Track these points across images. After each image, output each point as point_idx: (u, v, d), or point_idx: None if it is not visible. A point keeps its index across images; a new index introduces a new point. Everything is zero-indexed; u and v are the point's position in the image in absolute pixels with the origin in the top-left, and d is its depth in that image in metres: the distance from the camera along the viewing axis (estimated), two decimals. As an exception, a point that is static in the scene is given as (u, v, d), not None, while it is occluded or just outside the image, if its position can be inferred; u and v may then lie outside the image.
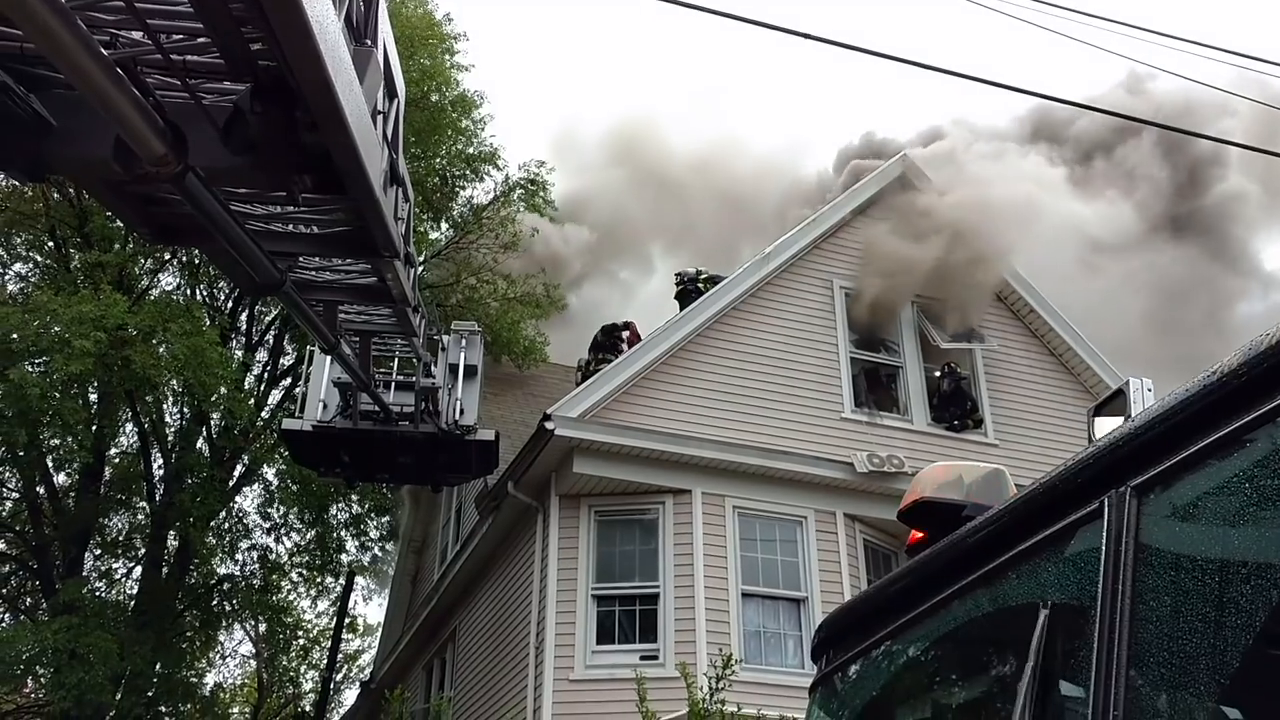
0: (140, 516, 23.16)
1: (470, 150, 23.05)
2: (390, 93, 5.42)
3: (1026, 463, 14.28)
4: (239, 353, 21.99)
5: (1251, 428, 1.55)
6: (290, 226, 5.77)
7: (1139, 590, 1.66)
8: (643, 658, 12.20)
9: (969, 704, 2.39)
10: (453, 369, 11.06)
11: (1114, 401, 2.20)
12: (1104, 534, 1.74)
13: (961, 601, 2.20)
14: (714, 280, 15.67)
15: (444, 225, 23.64)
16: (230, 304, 22.62)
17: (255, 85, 3.71)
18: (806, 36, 8.64)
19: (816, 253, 15.62)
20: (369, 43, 4.36)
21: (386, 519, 23.93)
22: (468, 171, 23.27)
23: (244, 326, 23.14)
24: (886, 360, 15.49)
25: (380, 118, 4.87)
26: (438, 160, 22.73)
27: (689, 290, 15.87)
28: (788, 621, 12.94)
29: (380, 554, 25.03)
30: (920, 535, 2.47)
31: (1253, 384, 1.55)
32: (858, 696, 2.61)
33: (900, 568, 2.61)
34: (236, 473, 22.21)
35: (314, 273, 7.02)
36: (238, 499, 23.07)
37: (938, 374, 15.45)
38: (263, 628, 28.16)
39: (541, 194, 22.11)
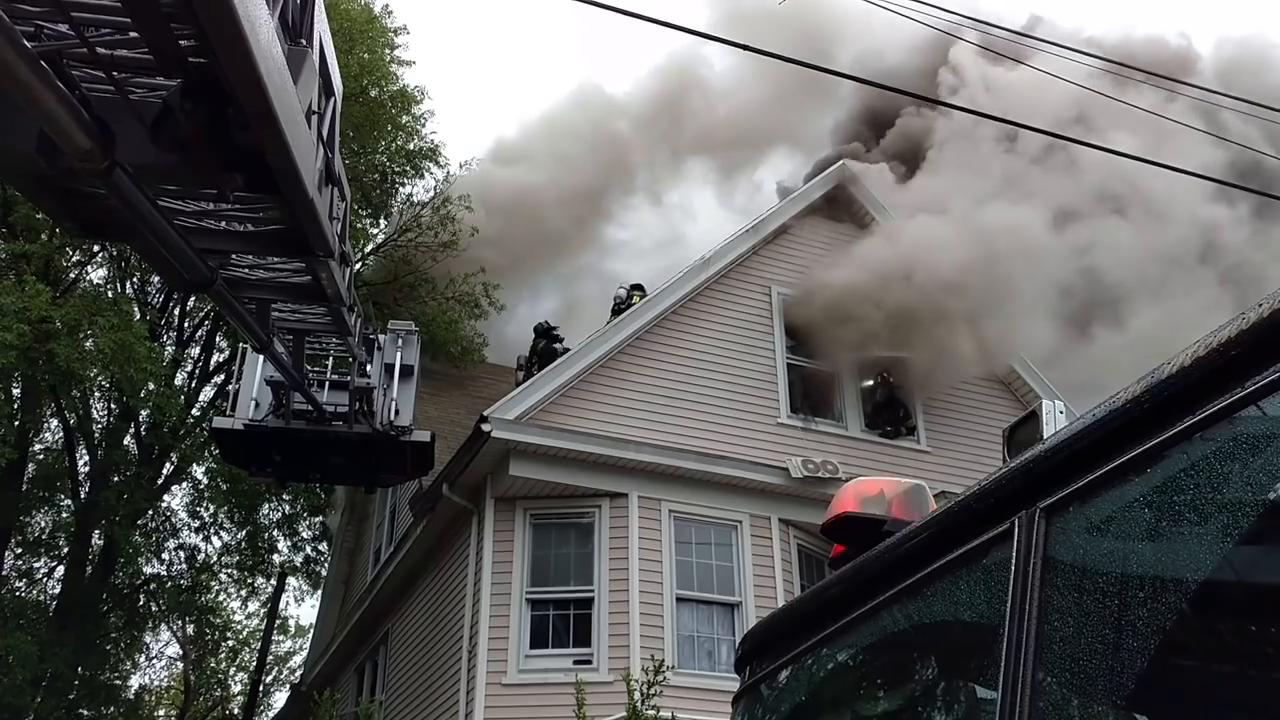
0: (64, 514, 22.62)
1: (411, 146, 22.90)
2: (327, 91, 5.37)
3: (957, 469, 14.56)
4: (170, 348, 21.59)
5: (1153, 453, 1.61)
6: (222, 224, 5.68)
7: (1045, 606, 1.72)
8: (576, 662, 12.20)
9: (889, 715, 2.44)
10: (388, 369, 10.94)
11: (1027, 424, 2.27)
12: (1014, 552, 1.79)
13: (881, 615, 2.24)
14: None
15: (383, 222, 23.44)
16: (161, 298, 22.20)
17: (186, 82, 3.65)
18: (769, 55, 8.69)
19: (755, 259, 15.75)
20: (304, 42, 4.31)
21: (319, 519, 23.67)
22: (408, 168, 23.13)
23: (176, 322, 22.72)
24: (823, 367, 15.65)
25: (316, 117, 4.82)
26: (377, 156, 22.54)
27: (623, 310, 15.96)
28: (721, 626, 13.02)
29: (313, 554, 24.75)
30: (843, 548, 2.51)
31: (1155, 411, 1.61)
32: (780, 708, 2.64)
33: (822, 581, 2.65)
34: (165, 471, 21.80)
35: (246, 270, 6.90)
36: (166, 498, 22.67)
37: (872, 382, 15.66)
38: (190, 629, 27.67)
39: (466, 204, 21.85)
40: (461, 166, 23.53)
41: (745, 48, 8.20)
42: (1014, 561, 1.78)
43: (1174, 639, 1.63)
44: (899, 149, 19.50)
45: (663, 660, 9.65)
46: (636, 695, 9.26)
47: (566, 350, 15.58)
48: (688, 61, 24.58)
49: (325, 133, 5.26)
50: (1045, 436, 2.04)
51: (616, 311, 15.91)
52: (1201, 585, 1.57)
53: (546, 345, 16.79)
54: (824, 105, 22.50)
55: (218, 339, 22.92)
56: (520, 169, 23.97)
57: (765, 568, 13.36)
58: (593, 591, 12.70)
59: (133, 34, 3.60)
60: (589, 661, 12.26)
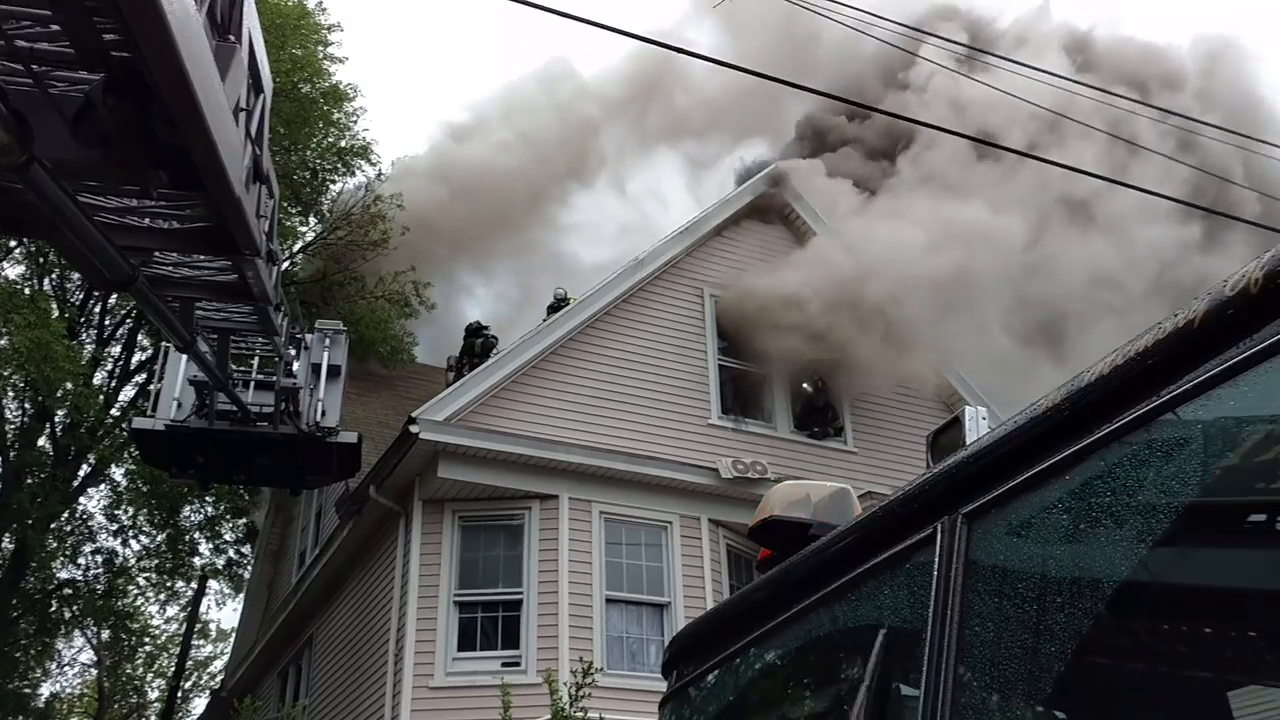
0: (-27, 517, 21.86)
1: (342, 144, 22.61)
2: (256, 88, 5.28)
3: (884, 470, 14.78)
4: (89, 347, 21.00)
5: (1072, 460, 1.66)
6: (146, 220, 5.55)
7: (967, 610, 1.76)
8: (505, 664, 12.14)
9: (816, 717, 2.47)
10: (315, 369, 10.78)
11: (950, 429, 2.32)
12: (936, 557, 1.83)
13: (808, 618, 2.27)
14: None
15: (312, 220, 23.10)
16: (82, 295, 21.60)
17: (109, 77, 3.57)
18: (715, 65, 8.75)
19: (689, 260, 15.83)
20: (233, 38, 4.23)
21: (243, 521, 23.22)
22: (339, 165, 22.83)
23: (96, 319, 22.12)
24: (754, 368, 15.76)
25: (244, 114, 4.74)
26: (307, 153, 22.20)
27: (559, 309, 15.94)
28: (651, 627, 13.06)
29: (236, 557, 24.28)
30: (769, 552, 2.54)
31: (1075, 418, 1.66)
32: (708, 711, 2.67)
33: (749, 585, 2.68)
34: (81, 473, 21.19)
35: (170, 268, 6.75)
36: (82, 500, 22.02)
37: (804, 384, 15.84)
38: (105, 634, 26.95)
39: (398, 202, 21.57)
40: (394, 164, 23.28)
41: (703, 58, 8.24)
42: (936, 566, 1.82)
43: (1091, 640, 1.68)
44: (846, 156, 19.63)
45: (591, 663, 9.65)
46: (563, 697, 9.25)
47: (498, 349, 15.50)
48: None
49: (254, 130, 5.17)
50: (968, 442, 2.09)
51: (555, 310, 15.88)
52: (1118, 587, 1.62)
53: (479, 344, 16.69)
54: (800, 97, 22.31)
55: (140, 337, 22.36)
56: (480, 147, 23.58)
57: (695, 568, 13.43)
58: (522, 593, 12.65)
59: (54, 26, 3.51)
60: (517, 663, 12.22)
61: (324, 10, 22.61)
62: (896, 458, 15.17)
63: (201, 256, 6.46)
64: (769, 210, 16.89)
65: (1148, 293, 17.28)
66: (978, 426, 2.21)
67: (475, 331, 17.13)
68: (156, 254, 6.22)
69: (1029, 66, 11.59)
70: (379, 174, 22.36)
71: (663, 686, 2.91)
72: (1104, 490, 1.63)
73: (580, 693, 9.05)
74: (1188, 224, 17.79)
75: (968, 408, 2.35)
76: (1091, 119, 14.58)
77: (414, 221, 21.41)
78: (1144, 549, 1.61)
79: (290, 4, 21.76)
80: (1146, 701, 2.07)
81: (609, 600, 12.87)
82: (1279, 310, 1.36)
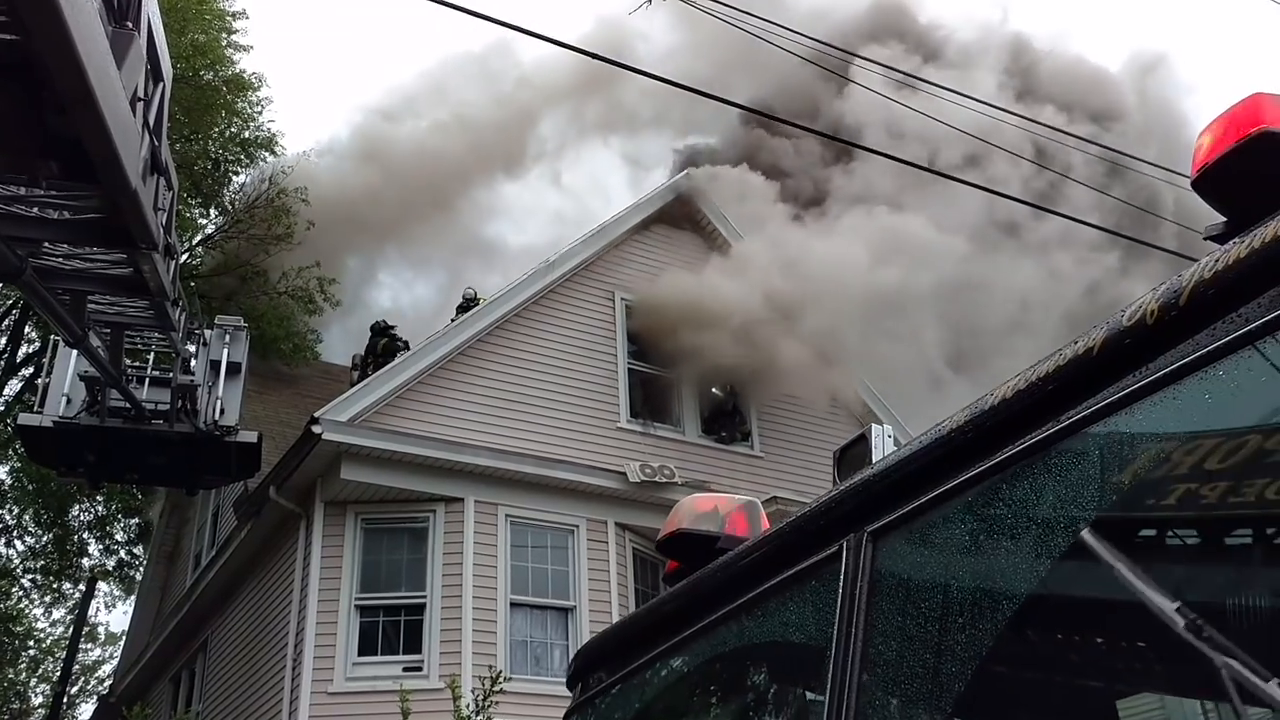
0: None
1: (245, 134, 22.06)
2: (155, 76, 5.10)
3: (790, 476, 14.98)
4: (-29, 338, 20.11)
5: (974, 480, 1.68)
6: (34, 210, 5.32)
7: (871, 628, 1.77)
8: (406, 669, 11.97)
9: (719, 728, 2.47)
10: (214, 365, 10.49)
11: (857, 445, 2.34)
12: (842, 574, 1.84)
13: (715, 632, 2.28)
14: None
15: (213, 212, 22.48)
16: (-37, 284, 20.64)
17: (-5, 61, 3.40)
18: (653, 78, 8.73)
19: (600, 263, 15.81)
20: (130, 25, 4.07)
21: (135, 521, 22.48)
22: (242, 156, 22.27)
23: (-21, 310, 21.19)
24: (663, 372, 15.81)
25: (142, 104, 4.57)
26: (209, 143, 21.60)
27: (469, 309, 15.78)
28: (555, 631, 13.01)
29: (127, 558, 23.50)
30: (677, 564, 2.53)
31: (978, 440, 1.68)
32: (612, 724, 2.65)
33: (657, 598, 2.67)
34: (-38, 470, 20.28)
35: (61, 260, 6.47)
36: (-38, 498, 21.08)
37: (714, 390, 15.94)
38: (-13, 637, 25.83)
39: (302, 196, 21.04)
40: (308, 151, 22.77)
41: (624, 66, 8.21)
42: (842, 583, 1.83)
43: (991, 655, 1.71)
44: (766, 162, 19.70)
45: (500, 671, 9.57)
46: (468, 703, 9.14)
47: (406, 349, 15.27)
48: (619, 33, 22.66)
49: (152, 120, 5.00)
50: (874, 460, 2.11)
51: (464, 310, 15.71)
52: (1016, 604, 1.65)
53: (385, 344, 16.42)
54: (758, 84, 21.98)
55: (26, 329, 21.49)
56: (411, 129, 23.01)
57: (601, 572, 13.42)
58: (425, 597, 12.48)
59: (-66, 5, 3.33)
60: (419, 668, 12.05)
61: (228, -4, 22.04)
62: (802, 464, 15.38)
63: (94, 249, 6.22)
64: (682, 216, 16.98)
65: (1064, 315, 17.71)
66: (884, 444, 2.24)
67: (381, 331, 16.86)
68: (46, 245, 5.99)
69: (960, 94, 11.78)
70: (284, 169, 21.79)
71: (565, 692, 2.88)
72: (1004, 509, 1.67)
73: (488, 701, 8.96)
74: (1109, 250, 18.31)
75: (874, 425, 2.38)
76: (1023, 144, 14.90)
77: (335, 204, 20.90)
78: (1041, 565, 1.65)
79: (192, -12, 21.15)
80: (1043, 711, 2.12)
81: (514, 604, 12.78)
82: (1172, 341, 1.41)
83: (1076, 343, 1.55)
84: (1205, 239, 1.50)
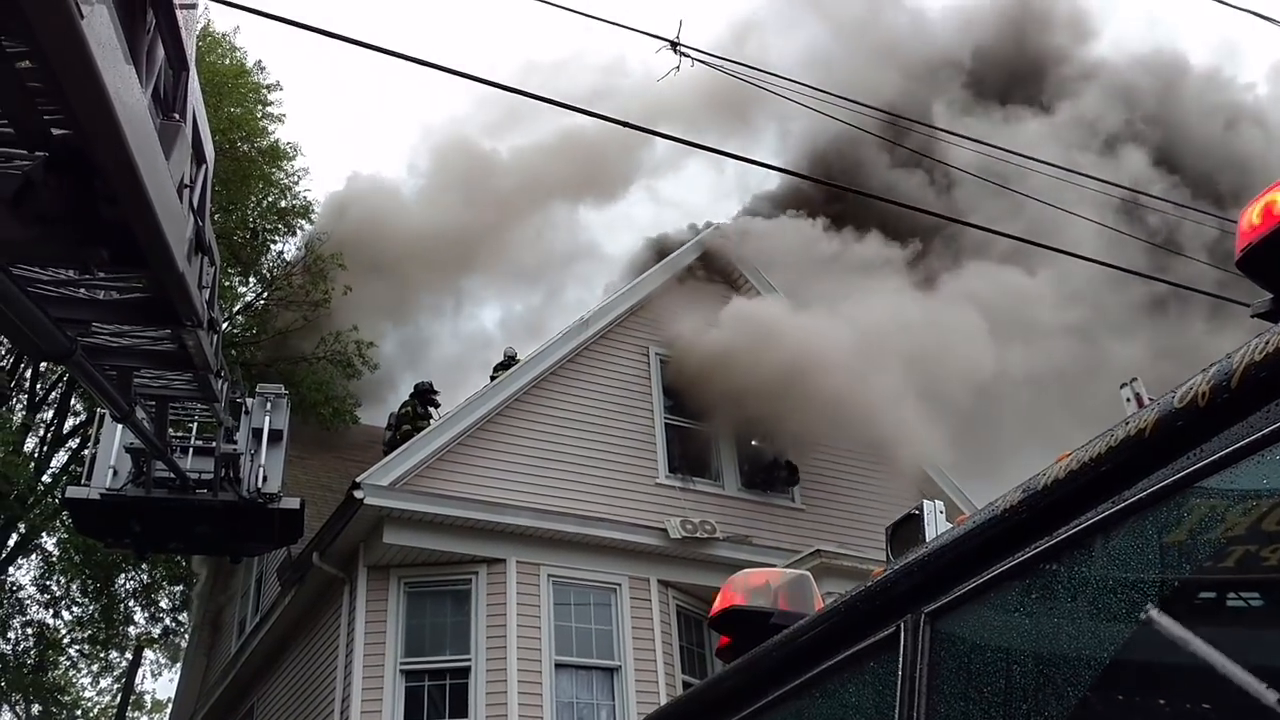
0: (-105, 589, 21.07)
1: (283, 204, 22.42)
2: (199, 159, 5.22)
3: (832, 528, 14.82)
4: (20, 413, 20.43)
5: (1031, 562, 1.68)
6: (82, 291, 5.45)
7: (933, 711, 1.76)
8: (452, 734, 11.88)
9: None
10: (256, 433, 10.58)
11: (909, 522, 2.34)
12: (900, 658, 1.83)
13: (773, 711, 2.26)
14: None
15: (252, 280, 22.80)
16: (11, 360, 21.05)
17: (50, 157, 3.51)
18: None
19: (633, 319, 15.86)
20: (177, 115, 4.19)
21: (180, 588, 22.59)
22: (279, 225, 22.61)
23: (27, 385, 21.54)
24: (700, 427, 15.76)
25: (188, 189, 4.69)
26: (247, 212, 21.98)
27: (508, 368, 15.86)
28: (601, 691, 12.88)
29: (172, 625, 23.56)
30: (728, 640, 2.53)
31: (1030, 520, 1.68)
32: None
33: (715, 674, 2.66)
34: (11, 542, 20.50)
35: (108, 338, 6.61)
36: (11, 570, 21.29)
37: (753, 442, 15.87)
38: (36, 709, 25.94)
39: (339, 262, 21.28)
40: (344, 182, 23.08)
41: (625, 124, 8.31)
42: (901, 666, 1.82)
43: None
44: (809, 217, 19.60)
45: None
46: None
47: (436, 413, 15.34)
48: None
49: (196, 202, 5.11)
50: (927, 538, 2.11)
51: (503, 369, 15.78)
52: (1081, 687, 1.63)
53: (407, 412, 16.51)
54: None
55: (73, 402, 21.82)
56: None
57: (645, 630, 13.30)
58: (469, 660, 12.43)
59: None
60: (466, 733, 11.97)
61: (263, 69, 22.55)
62: (844, 515, 15.24)
63: (141, 327, 6.35)
64: (714, 270, 17.03)
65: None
66: (935, 520, 2.23)
67: (422, 394, 16.94)
68: (94, 325, 6.12)
69: (1025, 156, 11.61)
70: (319, 237, 22.02)
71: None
72: (1062, 589, 1.65)
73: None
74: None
75: (926, 501, 2.37)
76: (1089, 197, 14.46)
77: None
78: (1104, 645, 1.63)
79: (227, 64, 21.66)
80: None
81: (558, 665, 12.69)
82: (1224, 422, 1.41)
83: (1128, 423, 1.55)
84: (1252, 316, 1.50)
